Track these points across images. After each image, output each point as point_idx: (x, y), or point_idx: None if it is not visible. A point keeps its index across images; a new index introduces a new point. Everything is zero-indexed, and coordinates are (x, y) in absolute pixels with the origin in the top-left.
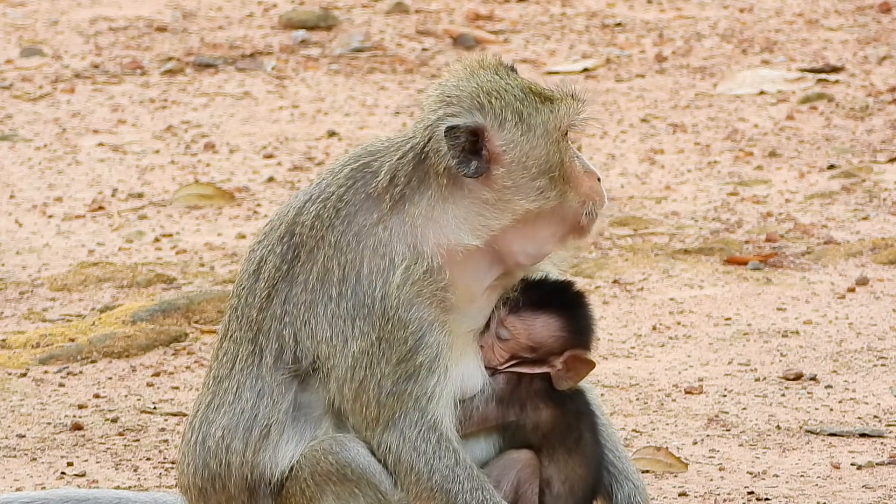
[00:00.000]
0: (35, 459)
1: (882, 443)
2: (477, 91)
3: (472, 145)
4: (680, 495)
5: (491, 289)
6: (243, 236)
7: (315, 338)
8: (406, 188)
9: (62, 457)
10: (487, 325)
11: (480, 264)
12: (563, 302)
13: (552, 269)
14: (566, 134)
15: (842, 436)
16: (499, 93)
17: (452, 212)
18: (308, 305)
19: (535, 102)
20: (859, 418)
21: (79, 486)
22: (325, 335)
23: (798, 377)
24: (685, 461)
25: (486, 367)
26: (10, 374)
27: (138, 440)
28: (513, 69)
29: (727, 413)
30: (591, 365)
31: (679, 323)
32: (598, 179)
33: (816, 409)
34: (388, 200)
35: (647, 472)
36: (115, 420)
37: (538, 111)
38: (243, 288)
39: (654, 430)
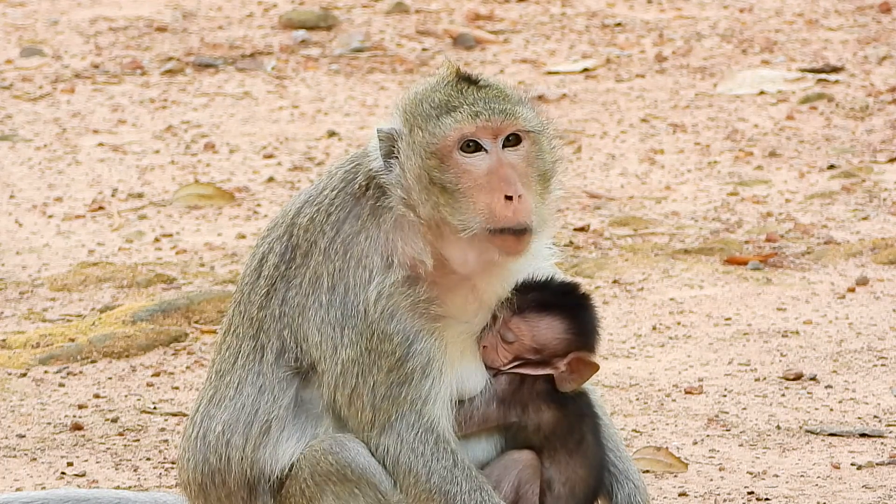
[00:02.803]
0: (35, 459)
1: (882, 443)
2: (404, 99)
3: (393, 151)
4: (680, 495)
5: (483, 292)
6: (243, 236)
7: (308, 341)
8: (384, 195)
9: (62, 457)
10: (491, 326)
11: (452, 272)
12: (568, 304)
13: (556, 270)
14: (468, 146)
15: (842, 436)
16: (412, 103)
17: (410, 219)
18: (301, 309)
19: (432, 116)
20: (859, 418)
21: (79, 486)
22: (315, 340)
23: (798, 377)
24: (685, 461)
25: (489, 368)
26: (10, 374)
27: (138, 440)
28: (466, 79)
29: (727, 413)
30: (595, 367)
31: (679, 323)
32: (509, 198)
33: (816, 409)
34: (367, 207)
35: (647, 472)
36: (115, 420)
37: (426, 125)
38: (246, 283)
39: (654, 430)
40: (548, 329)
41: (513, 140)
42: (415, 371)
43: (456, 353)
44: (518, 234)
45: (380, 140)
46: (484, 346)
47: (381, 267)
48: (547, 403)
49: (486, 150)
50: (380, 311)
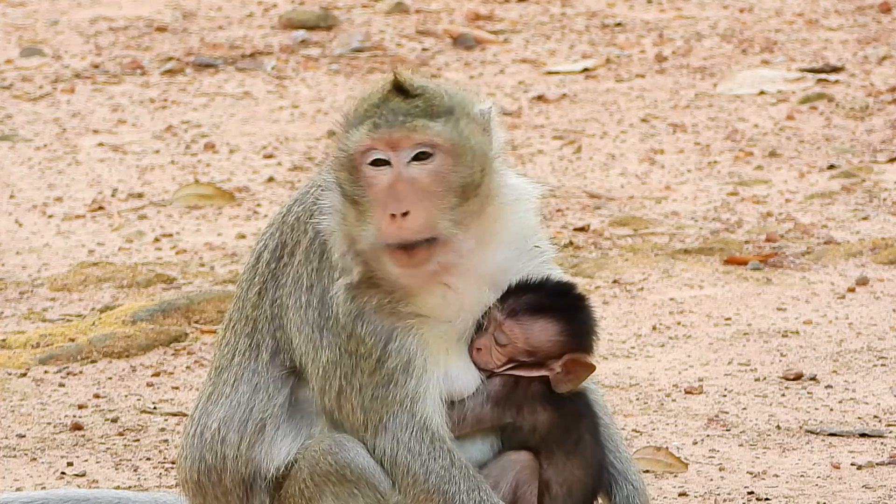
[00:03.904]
0: (35, 459)
1: (882, 443)
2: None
3: None
4: (680, 495)
5: (461, 293)
6: (243, 236)
7: (293, 342)
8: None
9: (62, 457)
10: (486, 327)
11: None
12: (562, 305)
13: (553, 269)
14: (375, 160)
15: (842, 436)
16: (351, 108)
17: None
18: (286, 309)
19: (349, 125)
20: (859, 418)
21: (79, 486)
22: (297, 341)
23: (798, 377)
24: (685, 461)
25: (483, 370)
26: (10, 374)
27: (138, 440)
28: (398, 88)
29: (727, 413)
30: (591, 368)
31: (679, 323)
32: (393, 215)
33: (816, 409)
34: (342, 208)
35: (647, 472)
36: (115, 420)
37: (342, 135)
38: (245, 280)
39: (654, 430)
40: (541, 332)
41: (422, 155)
42: (396, 370)
43: (440, 351)
44: (408, 248)
45: None
46: (478, 349)
47: (344, 268)
48: (542, 405)
49: (391, 166)
50: (347, 312)
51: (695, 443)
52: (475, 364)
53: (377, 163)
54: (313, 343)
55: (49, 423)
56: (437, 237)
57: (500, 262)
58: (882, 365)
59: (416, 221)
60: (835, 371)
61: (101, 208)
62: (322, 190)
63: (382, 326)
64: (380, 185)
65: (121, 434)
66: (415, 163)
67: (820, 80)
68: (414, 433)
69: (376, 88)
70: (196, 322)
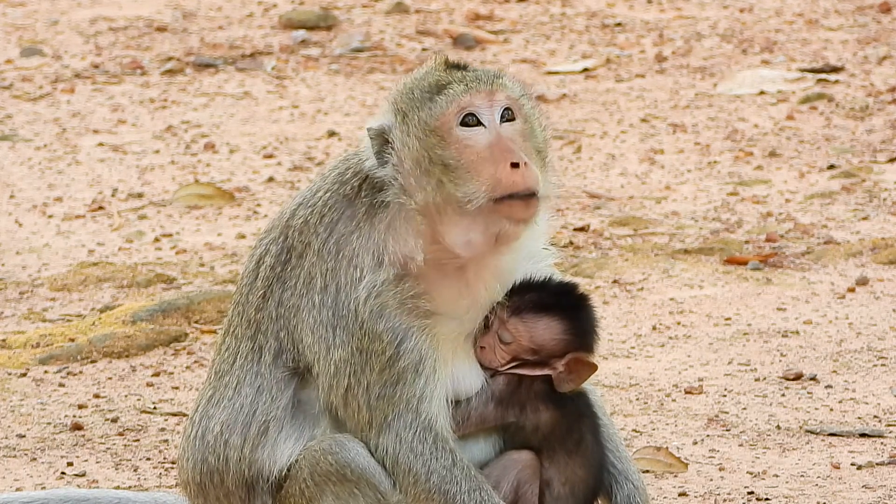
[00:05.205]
0: (35, 459)
1: (882, 443)
2: (394, 93)
3: (386, 146)
4: (680, 495)
5: (474, 287)
6: (243, 236)
7: (303, 342)
8: (378, 194)
9: (62, 457)
10: (489, 326)
11: (445, 267)
12: (566, 304)
13: (554, 271)
14: (468, 118)
15: (842, 436)
16: (403, 93)
17: (403, 216)
18: (295, 310)
19: (426, 98)
20: (859, 418)
21: (79, 486)
22: (309, 341)
23: (798, 377)
24: (685, 461)
25: (486, 369)
26: (10, 374)
27: (138, 440)
28: (455, 65)
29: (727, 413)
30: (594, 368)
31: (679, 323)
32: (515, 164)
33: (816, 409)
34: (363, 207)
35: (647, 472)
36: (115, 420)
37: (422, 107)
38: (244, 284)
39: (654, 430)
40: (545, 330)
41: (508, 115)
42: (407, 370)
43: (449, 351)
44: (526, 199)
45: (370, 138)
46: (482, 347)
47: (372, 266)
48: (545, 404)
49: (484, 126)
50: (369, 310)
51: (695, 443)
52: (479, 363)
53: (472, 123)
54: (326, 342)
55: (49, 423)
56: (540, 190)
57: (513, 260)
58: (882, 365)
59: (534, 170)
60: (835, 371)
61: (101, 208)
62: (377, 182)
63: (400, 324)
64: (479, 144)
65: (121, 434)
66: (504, 123)
67: (820, 80)
68: (417, 433)
69: (425, 70)
70: (196, 322)
